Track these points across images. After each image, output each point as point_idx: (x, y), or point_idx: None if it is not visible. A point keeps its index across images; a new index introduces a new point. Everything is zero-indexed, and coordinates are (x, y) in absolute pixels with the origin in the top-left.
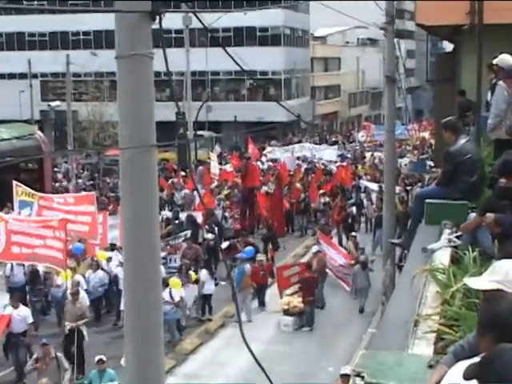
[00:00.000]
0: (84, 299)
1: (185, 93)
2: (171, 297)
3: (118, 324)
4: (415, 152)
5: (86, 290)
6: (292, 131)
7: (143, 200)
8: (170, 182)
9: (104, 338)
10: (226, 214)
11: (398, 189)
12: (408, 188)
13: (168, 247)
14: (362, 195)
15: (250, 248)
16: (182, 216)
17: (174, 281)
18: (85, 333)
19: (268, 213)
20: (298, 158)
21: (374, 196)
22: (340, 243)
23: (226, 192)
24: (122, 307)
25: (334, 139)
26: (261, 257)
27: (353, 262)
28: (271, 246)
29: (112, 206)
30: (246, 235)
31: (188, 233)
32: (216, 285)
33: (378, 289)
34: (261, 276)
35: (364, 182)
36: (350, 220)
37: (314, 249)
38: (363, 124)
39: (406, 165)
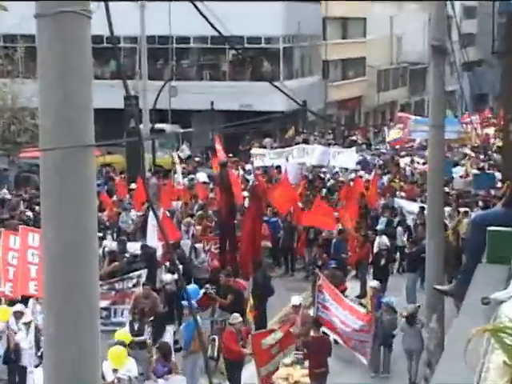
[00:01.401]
0: None
1: (138, 67)
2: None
3: None
4: (472, 155)
5: None
6: (294, 126)
7: (75, 223)
8: (115, 198)
9: None
10: (198, 246)
11: (448, 211)
12: (460, 210)
13: (112, 293)
14: (395, 220)
15: (193, 287)
16: (133, 248)
17: (122, 335)
18: None
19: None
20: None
21: (410, 220)
22: (364, 293)
23: (198, 214)
24: None
25: (353, 138)
26: (236, 318)
27: (370, 325)
28: (255, 297)
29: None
30: (231, 275)
31: (143, 273)
32: (177, 350)
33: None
34: (238, 346)
35: (399, 201)
36: (380, 258)
37: (295, 301)
38: (398, 115)
39: (461, 176)
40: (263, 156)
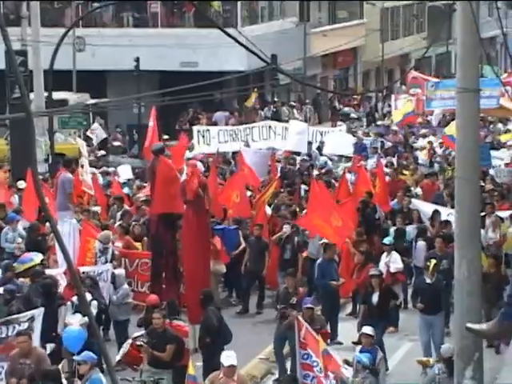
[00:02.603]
0: None
1: (26, 9)
2: None
3: None
4: None
5: None
6: (260, 93)
7: None
8: None
9: None
10: (119, 272)
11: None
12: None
13: None
14: (410, 228)
15: (72, 329)
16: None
17: None
18: None
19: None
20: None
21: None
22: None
23: (119, 225)
24: None
25: (346, 109)
26: None
27: None
28: (203, 347)
29: None
30: (168, 315)
31: (37, 314)
32: None
33: None
34: None
35: (416, 203)
36: (370, 290)
37: (228, 359)
38: (411, 75)
39: (507, 164)
40: (205, 136)
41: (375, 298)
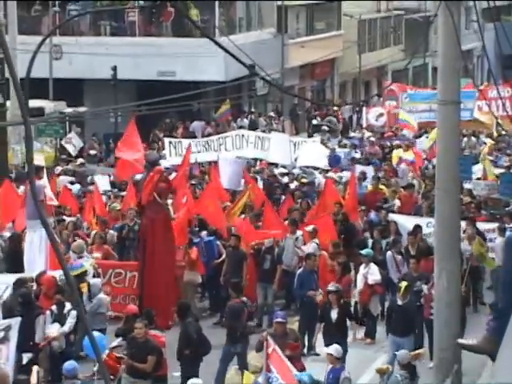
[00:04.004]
0: None
1: (3, 16)
2: None
3: None
4: (492, 146)
5: None
6: (237, 103)
7: None
8: None
9: None
10: (94, 282)
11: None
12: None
13: None
14: (384, 242)
15: (99, 335)
16: (4, 282)
17: None
18: None
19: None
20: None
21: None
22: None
23: (95, 234)
24: None
25: (317, 122)
26: None
27: None
28: (182, 359)
29: None
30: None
31: (14, 323)
32: None
33: None
34: None
35: (395, 217)
36: (328, 308)
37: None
38: (388, 88)
39: (479, 178)
40: (176, 148)
41: (334, 315)
